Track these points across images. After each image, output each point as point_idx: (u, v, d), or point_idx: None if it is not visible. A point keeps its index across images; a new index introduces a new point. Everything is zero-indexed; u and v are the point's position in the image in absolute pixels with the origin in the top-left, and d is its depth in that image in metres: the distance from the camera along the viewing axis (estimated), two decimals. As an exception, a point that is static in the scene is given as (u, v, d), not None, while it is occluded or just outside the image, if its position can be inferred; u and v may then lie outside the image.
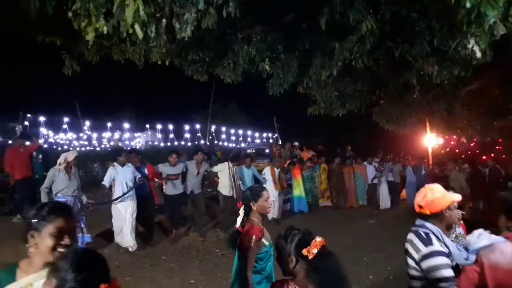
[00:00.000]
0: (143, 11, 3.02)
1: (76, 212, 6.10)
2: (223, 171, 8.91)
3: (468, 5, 3.47)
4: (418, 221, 2.49)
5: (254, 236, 2.94)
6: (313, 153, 13.41)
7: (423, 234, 2.38)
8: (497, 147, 16.19)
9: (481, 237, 2.35)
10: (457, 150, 16.73)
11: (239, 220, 3.23)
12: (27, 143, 9.36)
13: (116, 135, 20.33)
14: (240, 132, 26.54)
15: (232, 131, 25.86)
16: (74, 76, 7.60)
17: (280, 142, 19.31)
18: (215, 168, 9.05)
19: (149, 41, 4.58)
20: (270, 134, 27.89)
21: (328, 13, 5.70)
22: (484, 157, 11.75)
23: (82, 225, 6.32)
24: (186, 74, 7.83)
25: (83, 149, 16.45)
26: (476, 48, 3.80)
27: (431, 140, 13.53)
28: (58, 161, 6.37)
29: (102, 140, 19.59)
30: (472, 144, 16.16)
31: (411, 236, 2.47)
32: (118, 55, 6.77)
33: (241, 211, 3.24)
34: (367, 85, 9.42)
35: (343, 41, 6.37)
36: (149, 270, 6.38)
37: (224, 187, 8.86)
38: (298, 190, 11.25)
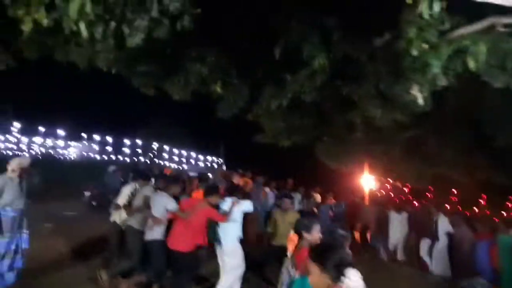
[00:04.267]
0: (89, 8, 2.79)
1: (18, 229, 5.25)
2: None
3: (414, 53, 3.65)
4: None
5: None
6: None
7: None
8: (428, 194, 17.19)
9: None
10: (391, 194, 17.54)
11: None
12: None
13: (49, 141, 19.02)
14: (184, 153, 26.05)
15: (176, 151, 25.30)
16: (9, 73, 7.03)
17: (224, 168, 19.01)
18: None
19: (95, 44, 4.29)
20: (215, 159, 27.68)
21: (283, 44, 5.81)
22: (415, 203, 12.31)
23: (24, 246, 5.36)
24: (132, 85, 7.51)
25: (9, 153, 15.24)
26: (419, 95, 3.97)
27: (368, 181, 14.02)
28: (10, 167, 5.34)
29: (32, 145, 18.23)
30: (406, 189, 17.06)
31: None
32: (61, 57, 6.33)
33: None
34: (313, 120, 9.64)
35: (295, 74, 6.49)
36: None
37: None
38: None
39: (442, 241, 8.41)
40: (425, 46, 3.65)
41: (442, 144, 10.27)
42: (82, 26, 3.03)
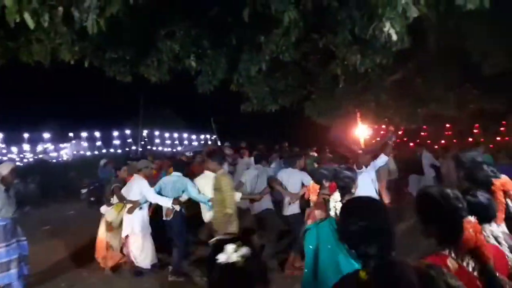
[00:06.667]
0: (27, -7, 2.59)
1: (13, 238, 5.17)
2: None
3: (381, -13, 3.48)
4: None
5: None
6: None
7: None
8: (422, 134, 17.27)
9: None
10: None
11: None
12: None
13: (40, 147, 18.83)
14: (176, 135, 25.88)
15: (167, 134, 25.11)
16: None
17: (219, 143, 18.72)
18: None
19: (52, 36, 4.08)
20: (208, 136, 27.57)
21: (250, 4, 5.57)
22: (411, 144, 12.35)
23: (24, 253, 5.35)
24: (108, 75, 7.28)
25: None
26: (392, 32, 3.82)
27: (363, 131, 13.91)
28: None
29: (23, 154, 18.05)
30: (400, 132, 17.00)
31: None
32: (26, 58, 6.06)
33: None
34: (297, 80, 9.49)
35: (269, 35, 6.29)
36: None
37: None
38: None
39: (429, 174, 9.35)
40: (392, -22, 3.48)
41: (429, 82, 10.16)
42: (27, 16, 2.84)
